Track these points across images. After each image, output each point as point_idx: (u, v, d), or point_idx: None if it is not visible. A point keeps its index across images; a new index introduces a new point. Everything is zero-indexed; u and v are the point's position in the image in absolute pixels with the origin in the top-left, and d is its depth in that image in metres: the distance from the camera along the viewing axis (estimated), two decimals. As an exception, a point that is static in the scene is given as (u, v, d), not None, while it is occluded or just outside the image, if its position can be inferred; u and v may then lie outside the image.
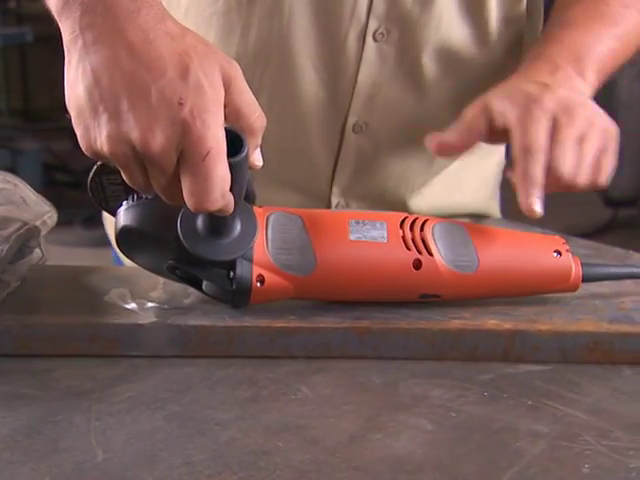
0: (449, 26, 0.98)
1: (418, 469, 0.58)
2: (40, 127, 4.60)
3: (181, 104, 0.61)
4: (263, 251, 0.72)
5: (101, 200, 0.75)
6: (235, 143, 0.64)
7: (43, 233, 0.85)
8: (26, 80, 4.90)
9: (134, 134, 0.61)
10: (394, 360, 0.73)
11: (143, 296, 0.77)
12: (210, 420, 0.63)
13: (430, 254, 0.74)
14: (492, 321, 0.74)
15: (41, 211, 0.85)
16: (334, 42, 0.97)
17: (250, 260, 0.72)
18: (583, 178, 0.80)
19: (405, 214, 0.77)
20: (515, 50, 1.03)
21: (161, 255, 0.72)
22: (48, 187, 4.52)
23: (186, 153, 0.62)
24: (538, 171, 0.77)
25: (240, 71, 0.66)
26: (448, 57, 0.99)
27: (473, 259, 0.75)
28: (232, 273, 0.71)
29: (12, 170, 4.05)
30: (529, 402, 0.67)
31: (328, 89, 0.99)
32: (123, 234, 0.72)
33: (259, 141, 0.68)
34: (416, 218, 0.76)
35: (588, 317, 0.75)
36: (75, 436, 0.61)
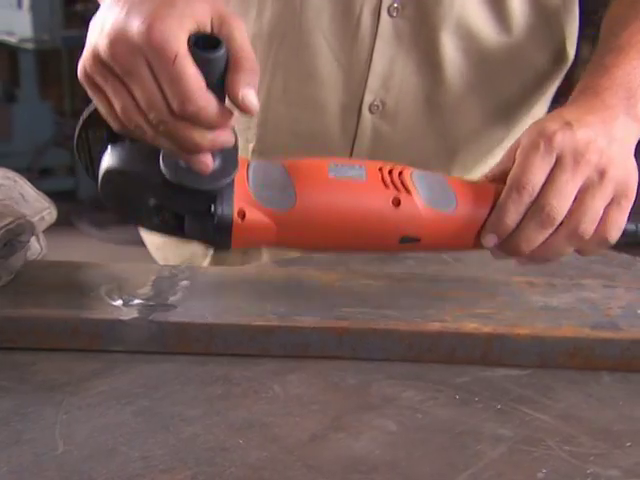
0: (464, 4, 0.96)
1: (372, 469, 0.58)
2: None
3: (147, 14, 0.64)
4: (244, 187, 0.73)
5: (87, 162, 0.76)
6: (215, 47, 0.66)
7: (41, 229, 0.87)
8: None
9: (103, 42, 0.65)
10: (372, 361, 0.73)
11: (131, 292, 0.78)
12: (177, 416, 0.64)
13: (409, 192, 0.75)
14: (472, 324, 0.73)
15: (40, 207, 0.87)
16: (348, 18, 0.96)
17: (231, 195, 0.72)
18: (583, 228, 0.75)
19: (382, 162, 0.77)
20: (542, 39, 1.02)
21: (144, 197, 0.73)
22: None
23: (156, 60, 0.64)
24: (511, 210, 0.75)
25: (240, 22, 0.67)
26: (465, 36, 0.98)
27: (452, 200, 0.75)
28: (213, 207, 0.72)
29: (71, 169, 4.12)
30: (499, 406, 0.66)
31: (343, 67, 0.98)
32: (107, 178, 0.73)
33: (252, 79, 0.67)
34: (394, 166, 0.77)
35: (571, 322, 0.74)
36: (41, 428, 0.62)
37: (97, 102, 0.69)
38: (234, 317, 0.74)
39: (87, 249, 3.93)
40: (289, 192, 0.74)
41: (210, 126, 0.67)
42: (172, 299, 0.77)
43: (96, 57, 0.66)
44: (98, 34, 0.66)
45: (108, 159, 0.73)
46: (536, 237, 0.75)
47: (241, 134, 0.85)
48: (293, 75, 0.99)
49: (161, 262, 1.22)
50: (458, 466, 0.58)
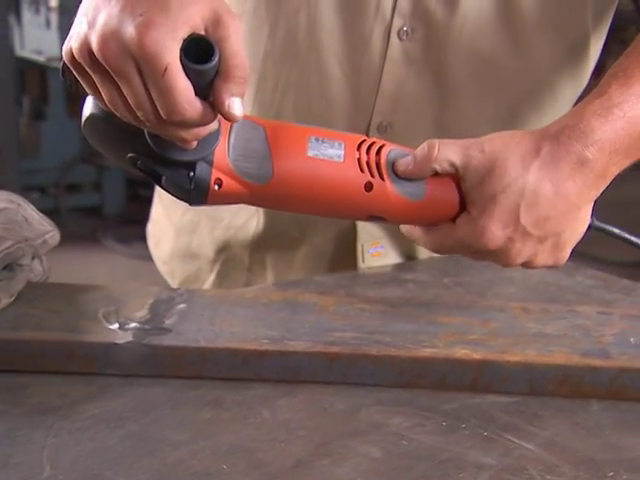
0: (476, 28, 0.96)
1: (352, 497, 0.58)
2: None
3: (141, 15, 0.63)
4: (224, 156, 0.74)
5: (72, 83, 0.76)
6: (208, 52, 0.66)
7: (44, 252, 0.88)
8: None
9: (95, 37, 0.64)
10: (363, 386, 0.73)
11: (128, 316, 0.79)
12: (164, 440, 0.65)
13: (382, 179, 0.76)
14: (463, 351, 0.74)
15: (43, 230, 0.88)
16: (359, 39, 0.97)
17: (210, 164, 0.73)
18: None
19: (364, 136, 0.79)
20: (565, 66, 1.01)
21: (124, 147, 0.74)
22: (132, 202, 4.64)
23: (146, 69, 0.64)
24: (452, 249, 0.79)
25: (237, 22, 0.67)
26: (478, 61, 0.98)
27: (422, 189, 0.77)
28: (192, 173, 0.73)
29: (97, 185, 4.14)
30: (485, 433, 0.66)
31: (353, 88, 0.99)
32: (89, 122, 0.74)
33: (239, 89, 0.68)
34: (374, 142, 0.78)
35: (562, 350, 0.74)
36: (29, 452, 0.63)
37: (83, 82, 0.69)
38: (227, 341, 0.75)
39: (112, 265, 3.96)
40: (267, 166, 0.75)
41: (196, 126, 0.68)
42: (168, 322, 0.78)
43: (86, 48, 0.66)
44: (89, 25, 0.66)
45: (91, 105, 0.73)
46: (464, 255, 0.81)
47: None
48: (304, 94, 1.00)
49: (167, 277, 1.23)
50: (438, 494, 0.59)
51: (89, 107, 0.74)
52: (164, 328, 0.77)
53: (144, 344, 0.74)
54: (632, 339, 0.77)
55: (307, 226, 1.07)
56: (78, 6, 0.69)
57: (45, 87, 4.56)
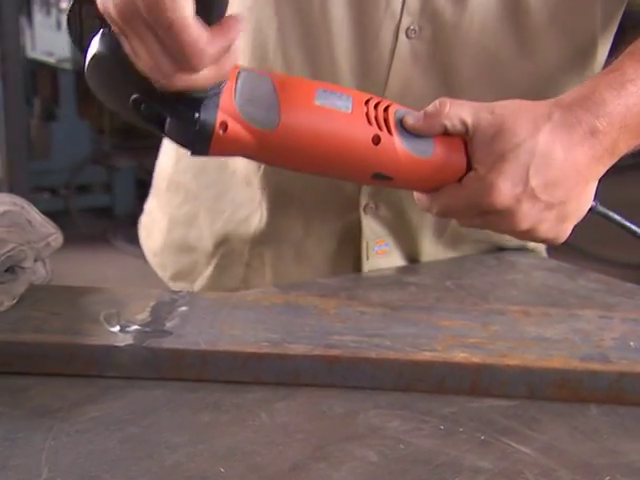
0: (483, 28, 0.96)
1: (347, 500, 0.59)
2: (136, 145, 4.73)
3: None
4: (230, 100, 0.74)
5: (77, 36, 0.76)
6: None
7: (47, 254, 0.88)
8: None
9: None
10: (362, 390, 0.73)
11: (129, 318, 0.79)
12: (162, 443, 0.65)
13: (390, 133, 0.76)
14: (462, 354, 0.74)
15: (46, 233, 0.89)
16: (368, 35, 0.97)
17: (216, 105, 0.73)
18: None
19: (371, 95, 0.79)
20: (572, 66, 1.01)
21: (129, 87, 0.73)
22: (142, 203, 4.65)
23: (153, 22, 0.65)
24: (462, 212, 0.79)
25: None
26: (485, 61, 0.98)
27: (430, 146, 0.77)
28: (197, 114, 0.72)
29: (108, 186, 4.16)
30: (482, 437, 0.66)
31: (360, 85, 0.99)
32: (94, 62, 0.73)
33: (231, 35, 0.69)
34: (381, 100, 0.78)
35: (561, 353, 0.74)
36: (28, 454, 0.63)
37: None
38: (227, 344, 0.75)
39: (122, 265, 3.97)
40: (274, 112, 0.74)
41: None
42: (169, 325, 0.78)
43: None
44: None
45: (98, 44, 0.73)
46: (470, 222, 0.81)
47: None
48: None
49: (158, 269, 1.23)
50: (434, 498, 0.59)
51: (95, 45, 0.73)
52: (165, 331, 0.77)
53: (144, 347, 0.75)
54: (632, 343, 0.77)
55: (311, 222, 1.07)
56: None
57: (56, 88, 4.58)
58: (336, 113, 0.75)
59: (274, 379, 0.74)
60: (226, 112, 0.73)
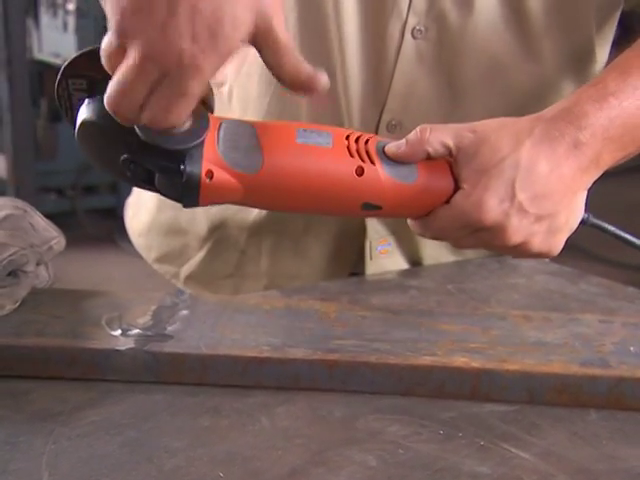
0: (488, 30, 0.97)
1: (346, 505, 0.59)
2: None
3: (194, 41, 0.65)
4: (213, 148, 0.75)
5: (67, 108, 0.78)
6: None
7: (49, 258, 0.89)
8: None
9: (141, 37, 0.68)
10: (362, 394, 0.73)
11: (130, 322, 0.80)
12: (162, 447, 0.65)
13: (372, 163, 0.77)
14: (462, 359, 0.74)
15: (48, 236, 0.89)
16: (375, 34, 0.98)
17: (201, 155, 0.74)
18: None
19: (351, 130, 0.80)
20: (573, 68, 1.01)
21: (117, 150, 0.75)
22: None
23: (171, 80, 0.66)
24: (448, 229, 0.78)
25: (279, 19, 0.68)
26: (487, 62, 0.99)
27: (413, 172, 0.78)
28: (182, 166, 0.74)
29: (114, 187, 4.16)
30: (482, 442, 0.66)
31: (367, 85, 1.00)
32: (83, 128, 0.75)
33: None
34: (361, 134, 0.79)
35: (561, 358, 0.74)
36: (28, 458, 0.63)
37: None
38: (228, 348, 0.75)
39: (128, 266, 3.96)
40: (256, 155, 0.75)
41: None
42: (170, 329, 0.79)
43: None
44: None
45: (85, 111, 0.75)
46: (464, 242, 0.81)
47: None
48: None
49: (142, 250, 1.23)
50: (432, 503, 0.59)
51: (83, 113, 0.75)
52: (166, 334, 0.78)
53: (145, 351, 0.75)
54: (632, 348, 0.77)
55: (312, 218, 1.07)
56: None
57: (62, 89, 4.58)
58: (318, 149, 0.76)
59: (274, 383, 0.74)
60: (211, 161, 0.74)
